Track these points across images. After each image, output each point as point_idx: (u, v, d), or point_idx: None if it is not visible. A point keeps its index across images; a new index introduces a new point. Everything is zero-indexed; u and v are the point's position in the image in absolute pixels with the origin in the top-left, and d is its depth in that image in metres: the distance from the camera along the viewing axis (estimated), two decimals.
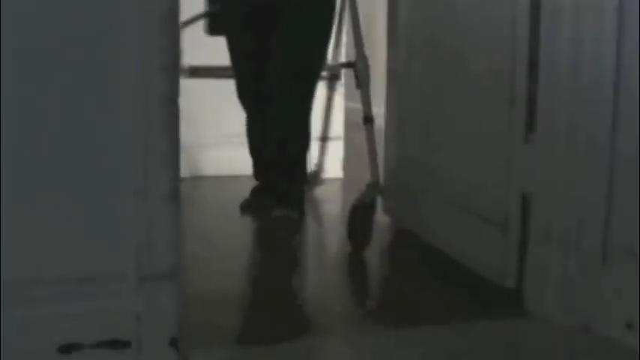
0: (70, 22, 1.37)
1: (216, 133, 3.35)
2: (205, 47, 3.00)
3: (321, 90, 3.38)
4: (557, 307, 1.85)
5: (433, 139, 2.43)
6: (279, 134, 2.74)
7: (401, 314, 1.94)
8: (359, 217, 2.48)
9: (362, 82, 2.62)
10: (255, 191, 2.98)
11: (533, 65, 1.91)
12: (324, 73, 3.18)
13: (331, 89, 3.31)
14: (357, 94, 2.64)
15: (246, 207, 2.96)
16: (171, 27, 1.43)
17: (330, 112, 3.35)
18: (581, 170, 1.80)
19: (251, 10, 2.70)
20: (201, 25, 2.98)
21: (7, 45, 1.34)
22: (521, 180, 1.97)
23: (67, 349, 1.41)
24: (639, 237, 1.69)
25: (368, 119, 2.61)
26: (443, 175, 2.34)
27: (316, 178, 3.35)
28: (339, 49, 3.24)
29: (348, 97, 3.58)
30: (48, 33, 1.36)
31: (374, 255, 2.46)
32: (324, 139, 3.38)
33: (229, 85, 2.82)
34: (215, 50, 2.87)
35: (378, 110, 2.66)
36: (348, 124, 3.65)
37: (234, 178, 3.21)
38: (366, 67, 2.63)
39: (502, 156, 2.05)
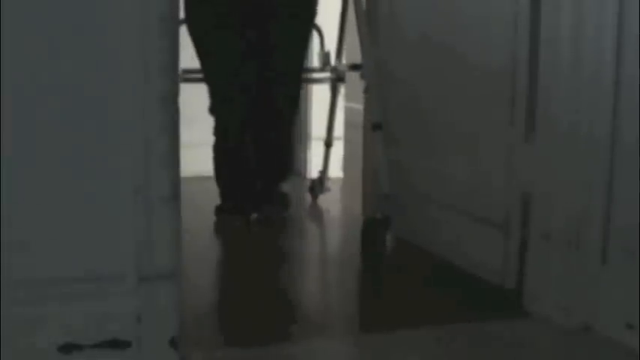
0: (70, 22, 1.37)
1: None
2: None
3: (324, 93, 3.35)
4: (557, 307, 1.85)
5: (431, 140, 2.42)
6: (278, 136, 2.76)
7: (400, 315, 1.94)
8: (372, 235, 2.34)
9: (370, 85, 2.46)
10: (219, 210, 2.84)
11: (533, 65, 1.91)
12: (328, 75, 3.10)
13: (335, 92, 3.11)
14: (358, 93, 2.59)
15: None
16: (171, 27, 1.43)
17: (334, 116, 3.15)
18: (581, 170, 1.80)
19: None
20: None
21: (6, 45, 1.34)
22: (522, 179, 1.97)
23: (67, 349, 1.41)
24: (639, 237, 1.69)
25: (377, 126, 2.42)
26: (442, 177, 2.34)
27: (321, 184, 3.22)
28: (342, 49, 3.11)
29: (347, 97, 3.57)
30: (47, 33, 1.36)
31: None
32: (329, 144, 3.20)
33: None
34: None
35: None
36: (348, 125, 3.65)
37: None
38: (375, 69, 2.46)
39: (502, 155, 2.04)
